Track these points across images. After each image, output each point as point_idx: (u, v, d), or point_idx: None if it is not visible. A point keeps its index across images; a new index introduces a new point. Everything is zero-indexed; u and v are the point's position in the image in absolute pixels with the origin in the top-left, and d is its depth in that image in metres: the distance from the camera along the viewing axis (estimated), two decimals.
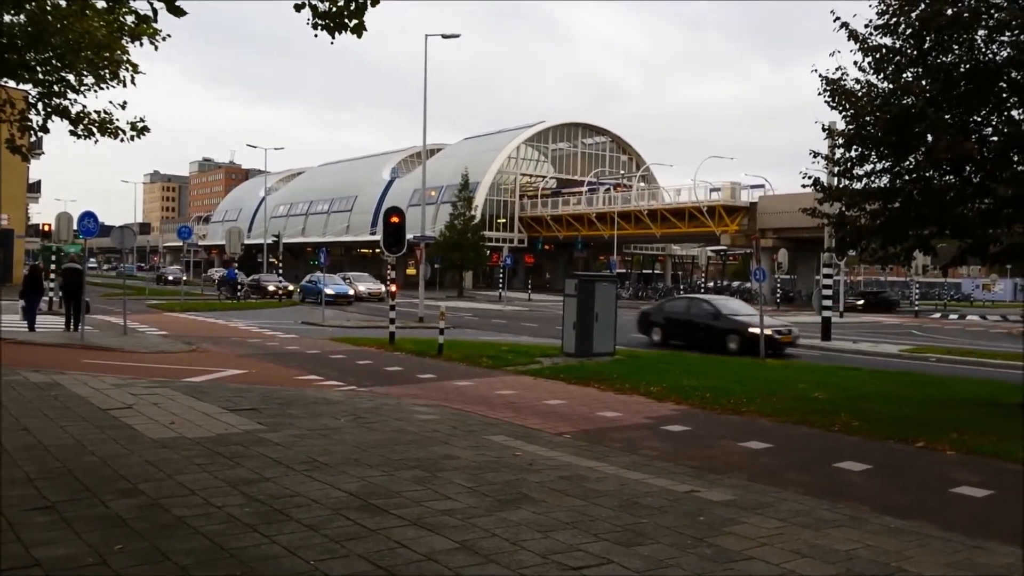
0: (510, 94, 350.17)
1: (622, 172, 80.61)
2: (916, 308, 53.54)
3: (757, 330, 20.51)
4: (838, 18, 12.06)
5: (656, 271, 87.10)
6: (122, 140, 11.65)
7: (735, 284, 74.25)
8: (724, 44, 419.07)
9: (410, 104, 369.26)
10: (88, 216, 20.15)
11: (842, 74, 12.23)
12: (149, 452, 7.61)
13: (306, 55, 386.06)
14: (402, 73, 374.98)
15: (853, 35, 12.02)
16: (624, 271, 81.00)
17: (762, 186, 62.38)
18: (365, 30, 7.51)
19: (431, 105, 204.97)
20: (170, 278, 62.30)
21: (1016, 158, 11.38)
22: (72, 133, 11.57)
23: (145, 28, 10.66)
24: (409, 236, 22.51)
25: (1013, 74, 11.12)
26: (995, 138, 11.30)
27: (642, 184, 72.07)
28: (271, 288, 44.24)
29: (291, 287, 45.49)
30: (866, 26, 11.96)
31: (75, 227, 22.82)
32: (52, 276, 29.71)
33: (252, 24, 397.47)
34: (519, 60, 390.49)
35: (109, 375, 12.88)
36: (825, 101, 12.33)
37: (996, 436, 9.88)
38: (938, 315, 52.10)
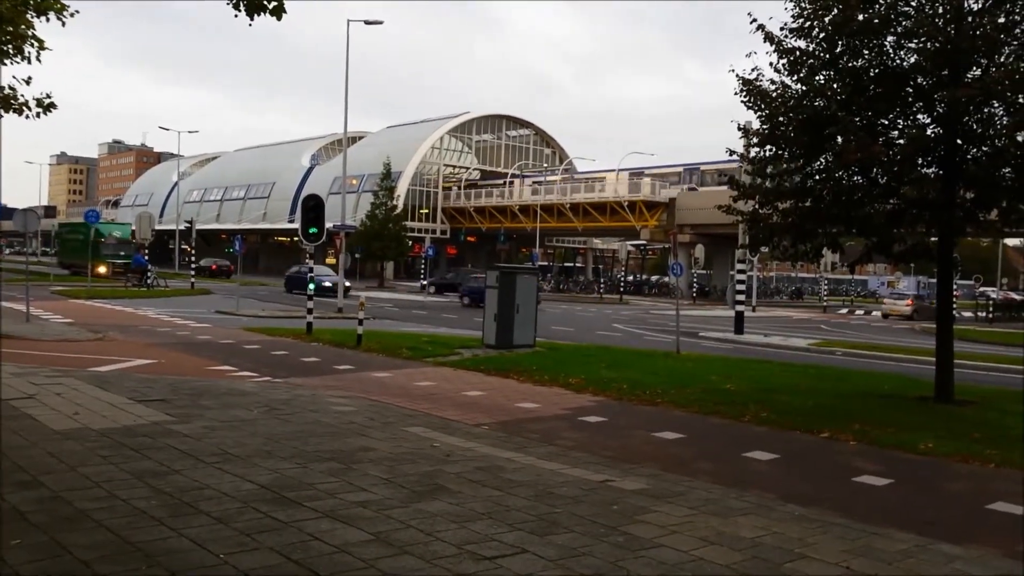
0: (438, 84, 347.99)
1: (545, 165, 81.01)
2: (824, 303, 55.49)
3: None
4: (755, 20, 12.33)
5: (578, 264, 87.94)
6: (27, 117, 11.14)
7: (653, 278, 75.60)
8: (657, 42, 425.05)
9: (332, 90, 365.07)
10: None
11: (758, 75, 12.49)
12: (51, 443, 7.34)
13: (225, 36, 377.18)
14: (325, 58, 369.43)
15: (769, 37, 12.30)
16: (546, 264, 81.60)
17: None
18: (285, 12, 7.38)
19: (355, 92, 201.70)
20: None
21: (921, 161, 11.87)
22: None
23: (52, 2, 10.23)
24: (329, 225, 22.19)
25: (919, 79, 11.57)
26: (901, 141, 11.74)
27: (565, 176, 72.58)
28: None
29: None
30: (781, 29, 12.27)
31: None
32: None
33: (168, 3, 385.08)
34: (448, 50, 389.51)
35: (9, 363, 12.33)
36: (742, 101, 12.57)
37: (896, 428, 10.29)
38: (845, 311, 54.08)
